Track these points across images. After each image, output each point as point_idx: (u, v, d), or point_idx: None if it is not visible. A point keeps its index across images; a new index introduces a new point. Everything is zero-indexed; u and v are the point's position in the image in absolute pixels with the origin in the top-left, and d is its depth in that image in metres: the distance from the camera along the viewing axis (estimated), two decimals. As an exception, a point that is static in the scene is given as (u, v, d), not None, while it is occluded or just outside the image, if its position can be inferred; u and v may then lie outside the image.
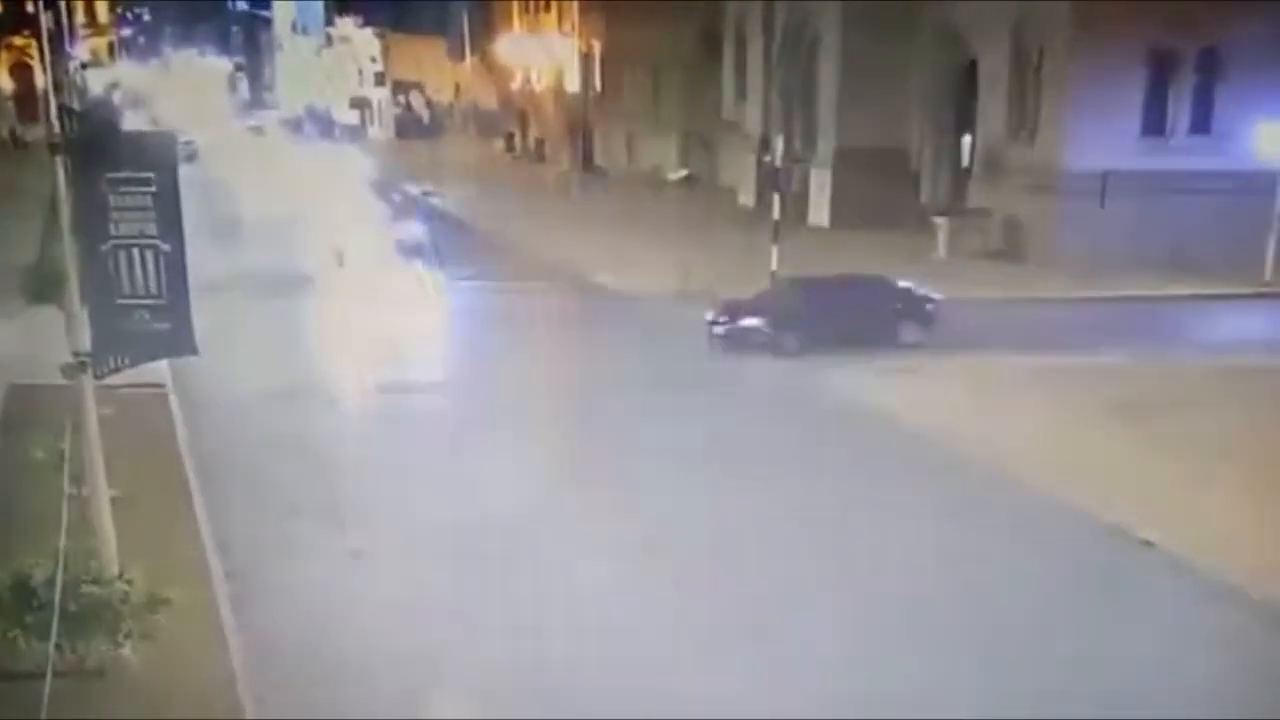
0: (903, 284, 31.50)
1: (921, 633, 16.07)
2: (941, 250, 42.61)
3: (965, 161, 46.53)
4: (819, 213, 48.91)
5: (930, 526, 19.54)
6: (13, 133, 75.17)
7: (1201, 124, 41.15)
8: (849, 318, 30.12)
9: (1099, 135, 39.64)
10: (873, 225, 44.25)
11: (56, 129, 13.84)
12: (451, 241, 43.86)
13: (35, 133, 63.92)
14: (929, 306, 30.88)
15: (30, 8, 71.49)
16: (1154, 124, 40.95)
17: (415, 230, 42.90)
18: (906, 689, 14.55)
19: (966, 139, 46.47)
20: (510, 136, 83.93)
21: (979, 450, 22.82)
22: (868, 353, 29.00)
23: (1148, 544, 18.45)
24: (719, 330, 30.32)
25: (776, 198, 36.98)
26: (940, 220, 43.47)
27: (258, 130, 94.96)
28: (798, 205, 47.01)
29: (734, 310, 30.74)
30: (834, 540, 18.93)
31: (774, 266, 35.85)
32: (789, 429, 24.65)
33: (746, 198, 53.49)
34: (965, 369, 28.37)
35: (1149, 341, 30.59)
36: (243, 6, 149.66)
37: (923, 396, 26.38)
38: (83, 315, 13.91)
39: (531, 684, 14.58)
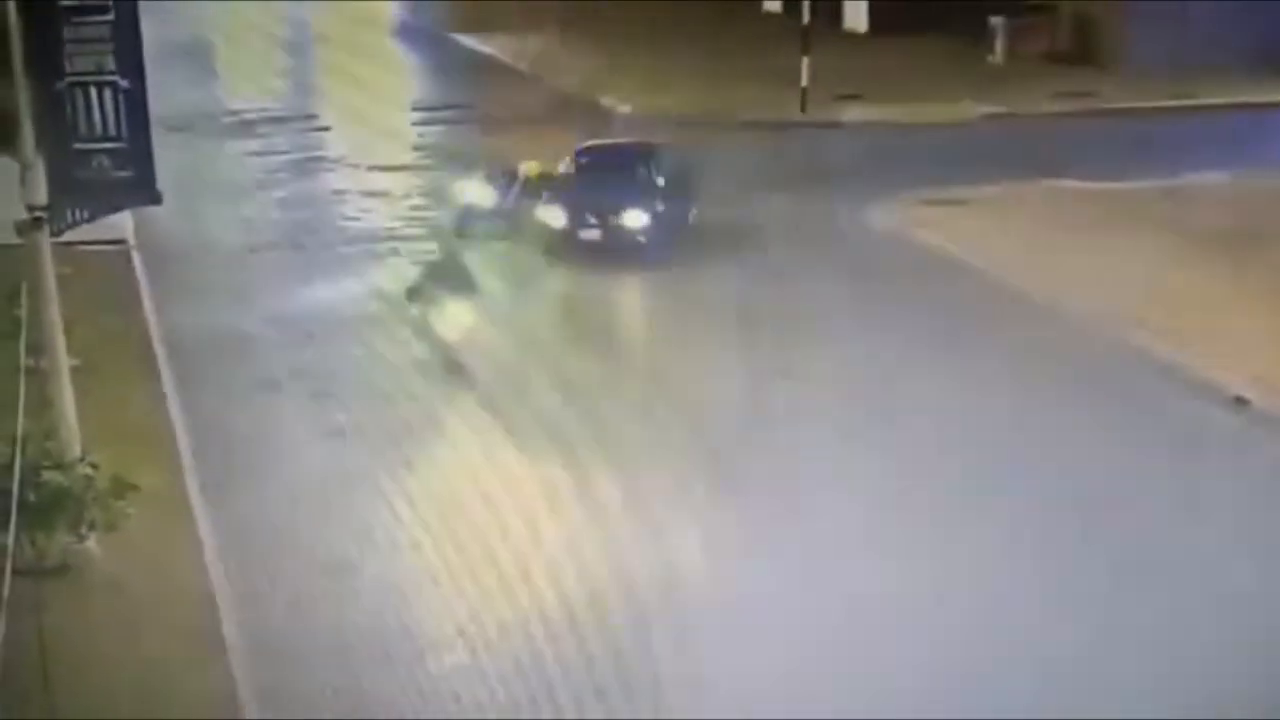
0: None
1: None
2: (999, 55, 41.96)
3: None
4: (856, 16, 48.10)
5: (1006, 387, 19.47)
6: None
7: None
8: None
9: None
10: (919, 28, 43.35)
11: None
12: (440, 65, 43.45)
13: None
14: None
15: None
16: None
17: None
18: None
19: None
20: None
21: (1037, 286, 22.72)
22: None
23: (1241, 401, 18.42)
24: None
25: (807, 2, 36.02)
26: (997, 20, 42.52)
27: None
28: (832, 10, 46.08)
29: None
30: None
31: (804, 82, 35.39)
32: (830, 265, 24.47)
33: (774, 3, 52.62)
34: (1025, 196, 28.00)
35: (1245, 158, 29.94)
36: None
37: (973, 231, 25.93)
38: (37, 164, 13.90)
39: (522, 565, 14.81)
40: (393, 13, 48.32)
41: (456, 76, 43.37)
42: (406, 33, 47.56)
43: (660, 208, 24.32)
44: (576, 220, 24.09)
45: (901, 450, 17.44)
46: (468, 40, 44.34)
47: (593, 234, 24.13)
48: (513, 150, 30.15)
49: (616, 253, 23.91)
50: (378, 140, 34.79)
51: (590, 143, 26.91)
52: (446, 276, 20.14)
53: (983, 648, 13.21)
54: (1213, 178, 28.74)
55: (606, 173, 25.21)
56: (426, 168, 32.41)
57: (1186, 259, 23.99)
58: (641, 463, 17.02)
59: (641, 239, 24.00)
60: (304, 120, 37.53)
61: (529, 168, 25.50)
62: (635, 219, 24.00)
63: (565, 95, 39.11)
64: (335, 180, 31.46)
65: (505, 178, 25.33)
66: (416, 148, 34.71)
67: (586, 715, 12.28)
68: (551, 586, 14.27)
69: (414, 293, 20.37)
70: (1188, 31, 37.44)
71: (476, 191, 25.21)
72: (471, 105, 39.11)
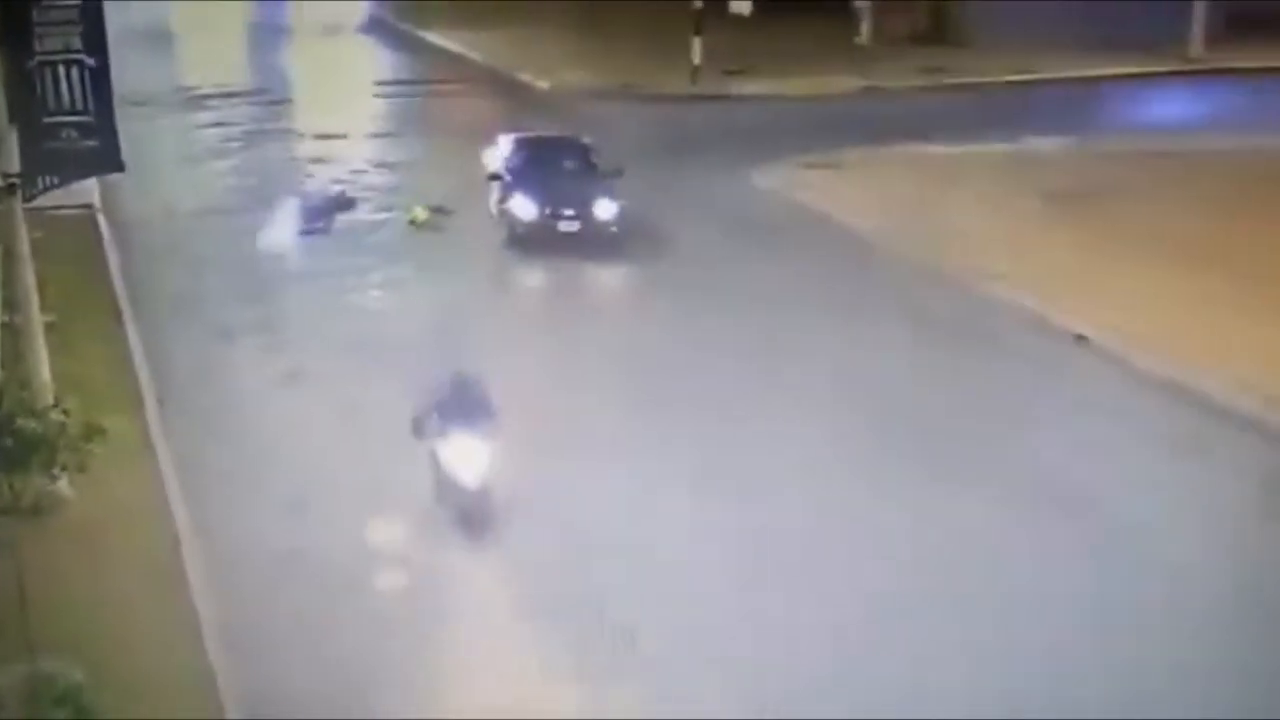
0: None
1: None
2: (865, 35, 41.56)
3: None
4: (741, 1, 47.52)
5: (867, 325, 19.38)
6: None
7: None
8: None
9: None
10: (795, 12, 42.91)
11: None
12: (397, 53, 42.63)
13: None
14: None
15: None
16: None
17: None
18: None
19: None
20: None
21: (901, 240, 22.57)
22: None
23: (1081, 339, 18.37)
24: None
25: (698, -15, 35.58)
26: (863, 4, 42.11)
27: None
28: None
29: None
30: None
31: (696, 60, 35.02)
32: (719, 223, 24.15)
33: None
34: (889, 160, 27.79)
35: (1078, 126, 29.94)
36: None
37: (850, 192, 25.69)
38: (9, 136, 13.48)
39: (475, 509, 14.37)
40: (364, 11, 46.99)
41: (411, 62, 42.12)
42: (373, 27, 46.28)
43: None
44: (552, 212, 22.01)
45: (763, 356, 18.16)
46: (430, 36, 43.22)
47: (572, 225, 22.03)
48: (447, 116, 30.21)
49: (594, 244, 21.99)
50: (325, 113, 33.90)
51: (520, 135, 24.37)
52: (457, 405, 13.81)
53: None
54: (1052, 142, 28.74)
55: (557, 164, 23.19)
56: (369, 135, 31.76)
57: (1029, 213, 24.02)
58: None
59: (614, 229, 22.10)
60: (256, 95, 36.49)
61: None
62: (606, 209, 22.11)
63: (497, 73, 38.42)
64: (281, 149, 30.52)
65: None
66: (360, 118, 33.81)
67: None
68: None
69: (418, 425, 13.97)
70: (1030, 14, 37.14)
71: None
72: (420, 82, 38.43)
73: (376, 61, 42.07)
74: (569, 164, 23.30)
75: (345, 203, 24.46)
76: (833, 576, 13.06)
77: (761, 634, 12.05)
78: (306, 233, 23.35)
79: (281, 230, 23.35)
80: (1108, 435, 15.96)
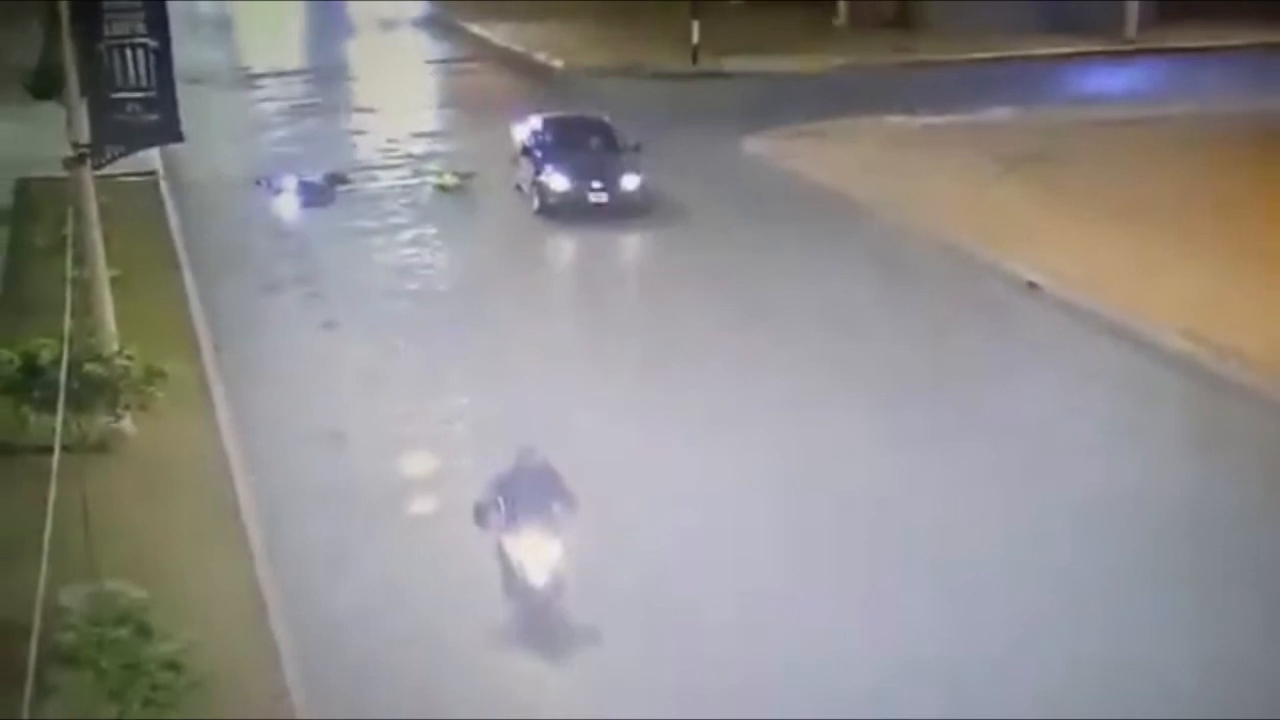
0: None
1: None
2: (841, 18, 40.81)
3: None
4: (731, -12, 46.67)
5: (843, 269, 18.96)
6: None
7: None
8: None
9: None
10: (783, 1, 42.22)
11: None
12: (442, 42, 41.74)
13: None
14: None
15: None
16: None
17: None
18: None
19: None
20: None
21: (874, 200, 21.98)
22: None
23: (1033, 286, 17.88)
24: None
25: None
26: (840, -8, 41.46)
27: None
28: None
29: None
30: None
31: (694, 41, 34.38)
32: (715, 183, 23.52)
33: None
34: (863, 129, 27.09)
35: (1027, 99, 29.26)
36: None
37: (830, 157, 25.06)
38: (80, 110, 13.24)
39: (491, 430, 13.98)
40: (419, 9, 45.68)
41: (452, 47, 40.98)
42: (427, 22, 44.94)
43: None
44: (582, 185, 21.30)
45: (759, 296, 18.02)
46: (473, 27, 42.18)
47: (601, 196, 21.31)
48: (477, 92, 29.44)
49: (620, 211, 21.35)
50: (369, 91, 33.29)
51: (548, 115, 23.51)
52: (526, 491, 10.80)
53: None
54: (1004, 112, 28.18)
55: (584, 142, 22.39)
56: (407, 109, 31.08)
57: (986, 173, 23.46)
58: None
59: (638, 199, 21.48)
60: (306, 74, 35.80)
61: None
62: (631, 181, 21.50)
63: (520, 56, 37.68)
64: (324, 123, 29.80)
65: None
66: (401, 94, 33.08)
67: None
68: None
69: (481, 513, 10.87)
70: (987, 3, 36.27)
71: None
72: (456, 60, 38.05)
73: (422, 47, 41.01)
74: (594, 141, 22.47)
75: (340, 179, 23.54)
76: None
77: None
78: (308, 205, 22.55)
79: (286, 205, 22.65)
80: (1049, 367, 15.59)
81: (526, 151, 22.39)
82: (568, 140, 22.33)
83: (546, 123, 22.94)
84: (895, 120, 27.69)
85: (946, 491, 12.68)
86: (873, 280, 18.68)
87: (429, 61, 38.35)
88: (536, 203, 21.59)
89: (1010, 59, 34.51)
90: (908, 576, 11.31)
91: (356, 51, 40.37)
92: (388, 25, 43.97)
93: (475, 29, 41.92)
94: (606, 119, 23.44)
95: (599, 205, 21.30)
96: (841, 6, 40.97)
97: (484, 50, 39.25)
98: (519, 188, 22.45)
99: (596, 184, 21.33)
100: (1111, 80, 32.49)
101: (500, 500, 10.65)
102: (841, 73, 33.95)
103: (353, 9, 46.25)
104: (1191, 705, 9.52)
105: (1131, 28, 36.74)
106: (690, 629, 10.57)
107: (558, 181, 21.40)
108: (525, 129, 22.95)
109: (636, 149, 22.10)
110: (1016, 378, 15.26)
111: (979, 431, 13.97)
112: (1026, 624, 10.60)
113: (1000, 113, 28.11)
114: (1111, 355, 16.00)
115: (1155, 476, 12.96)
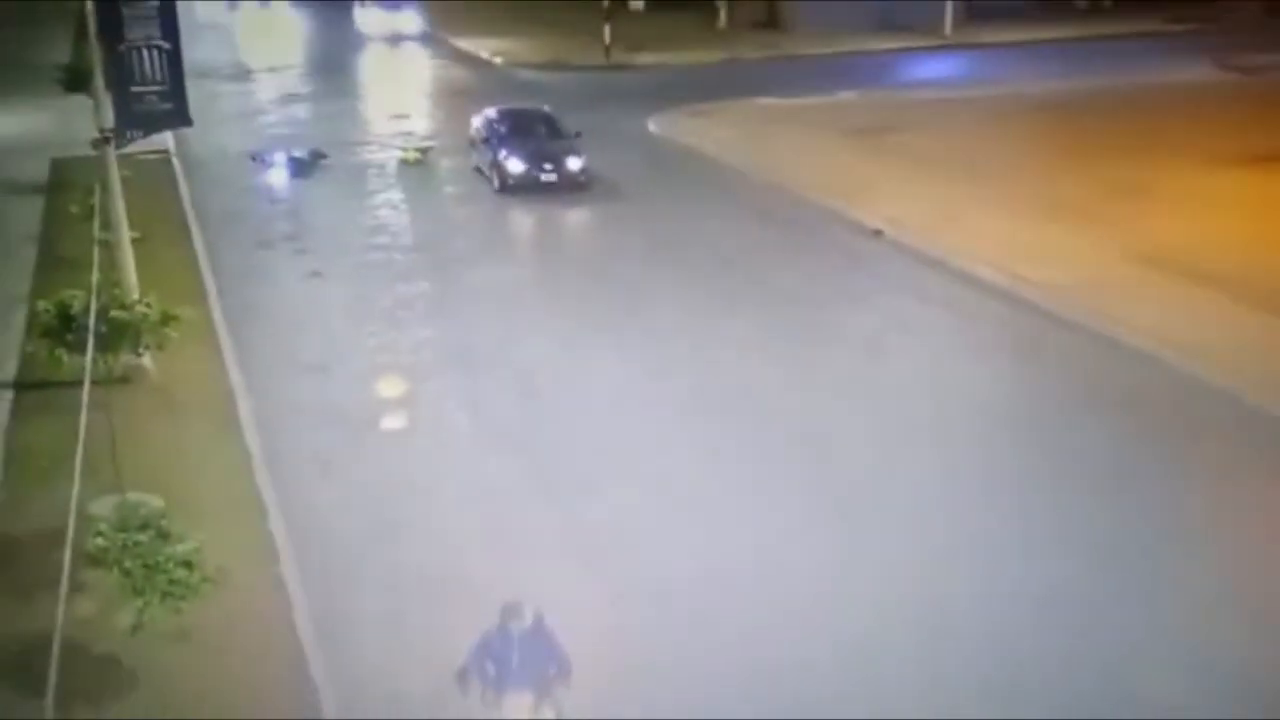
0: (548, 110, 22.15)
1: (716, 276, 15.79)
2: (723, 21, 39.91)
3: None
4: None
5: (728, 219, 18.41)
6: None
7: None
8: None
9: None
10: (675, 6, 41.33)
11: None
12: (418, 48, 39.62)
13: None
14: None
15: None
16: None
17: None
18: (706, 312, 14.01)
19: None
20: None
21: (753, 165, 21.36)
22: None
23: (878, 233, 17.48)
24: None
25: (605, -9, 33.90)
26: (720, 2, 40.40)
27: None
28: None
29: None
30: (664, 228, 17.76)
31: (607, 40, 33.26)
32: (627, 155, 22.62)
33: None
34: (743, 110, 26.41)
35: (867, 83, 28.79)
36: None
37: (715, 133, 24.30)
38: (105, 100, 12.66)
39: (463, 358, 13.33)
40: (413, 24, 40.54)
41: (428, 51, 38.76)
42: (422, 36, 40.56)
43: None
44: (534, 167, 19.86)
45: (665, 242, 17.27)
46: (447, 37, 39.41)
47: (551, 176, 19.86)
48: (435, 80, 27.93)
49: (567, 189, 19.88)
50: (330, 81, 31.69)
51: (501, 108, 21.83)
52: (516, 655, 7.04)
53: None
54: (849, 94, 27.66)
55: (534, 130, 20.89)
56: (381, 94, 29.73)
57: (839, 143, 23.02)
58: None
59: (582, 179, 19.98)
60: (295, 69, 34.02)
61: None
62: (575, 164, 20.02)
63: (466, 54, 36.23)
64: (309, 109, 28.31)
65: None
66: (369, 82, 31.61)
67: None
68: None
69: (464, 679, 7.07)
70: (834, 8, 35.93)
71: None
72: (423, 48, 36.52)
73: (403, 52, 38.33)
74: (542, 129, 20.97)
75: (321, 155, 22.19)
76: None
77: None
78: (295, 176, 21.30)
79: (276, 177, 21.39)
80: (887, 296, 15.26)
81: (485, 139, 20.90)
82: (520, 129, 20.86)
83: (501, 114, 21.41)
84: (766, 101, 27.06)
85: (806, 373, 12.80)
86: (749, 226, 18.20)
87: (400, 58, 36.53)
88: (496, 183, 20.28)
89: (855, 53, 33.96)
90: (767, 436, 11.41)
91: (352, 58, 37.83)
92: (392, 39, 39.43)
93: (447, 38, 39.68)
94: (550, 110, 22.11)
95: (549, 184, 20.07)
96: (722, 11, 40.12)
97: (450, 53, 37.27)
98: (478, 169, 21.19)
99: (548, 166, 20.04)
100: (933, 68, 32.09)
101: (488, 665, 7.03)
102: (723, 65, 33.21)
103: (358, 19, 42.40)
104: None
105: (948, 27, 36.34)
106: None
107: (514, 164, 19.98)
108: (480, 119, 21.48)
109: (578, 135, 20.88)
110: (863, 299, 15.05)
111: (834, 337, 13.91)
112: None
113: (847, 95, 27.57)
114: (937, 283, 15.68)
115: (962, 369, 13.04)
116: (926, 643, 8.35)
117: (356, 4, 41.64)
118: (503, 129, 20.86)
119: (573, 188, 19.94)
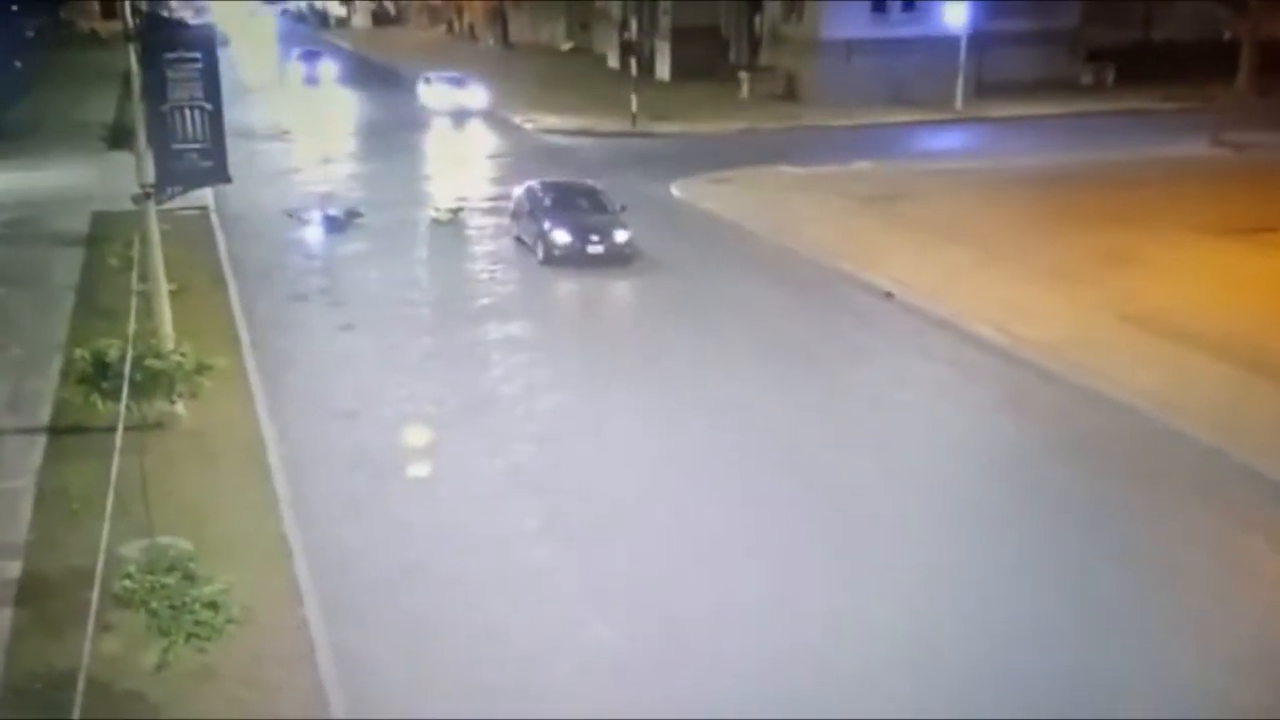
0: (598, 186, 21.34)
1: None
2: (745, 93, 40.27)
3: (758, 33, 43.66)
4: (662, 69, 45.95)
5: (748, 280, 18.44)
6: (93, 30, 66.98)
7: (909, 3, 38.73)
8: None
9: (843, 13, 37.42)
10: (699, 78, 41.88)
11: (129, 24, 12.69)
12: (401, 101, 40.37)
13: (112, 28, 57.13)
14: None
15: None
16: (879, 4, 38.39)
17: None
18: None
19: (757, 18, 43.52)
20: (450, 22, 77.75)
21: (771, 230, 21.42)
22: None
23: (889, 295, 17.47)
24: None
25: (633, 60, 34.56)
26: (743, 74, 40.97)
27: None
28: (648, 65, 44.13)
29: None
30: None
31: (633, 109, 33.72)
32: (650, 218, 22.66)
33: (613, 61, 50.17)
34: (761, 177, 26.52)
35: (881, 154, 28.85)
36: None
37: (735, 198, 24.44)
38: (147, 157, 12.73)
39: (482, 410, 13.31)
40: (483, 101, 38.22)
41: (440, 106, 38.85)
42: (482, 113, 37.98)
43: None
44: (580, 239, 19.18)
45: (692, 305, 17.33)
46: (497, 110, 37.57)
47: (598, 249, 19.19)
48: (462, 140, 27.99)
49: (614, 261, 19.23)
50: (367, 143, 32.09)
51: (546, 180, 21.18)
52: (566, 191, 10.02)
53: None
54: (864, 164, 27.69)
55: (579, 203, 20.17)
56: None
57: (853, 209, 23.07)
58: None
59: (627, 251, 19.35)
60: (322, 131, 34.65)
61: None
62: (622, 236, 19.40)
63: (500, 119, 36.45)
64: (337, 169, 28.62)
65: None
66: (398, 150, 31.87)
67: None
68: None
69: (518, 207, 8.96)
70: (851, 82, 36.31)
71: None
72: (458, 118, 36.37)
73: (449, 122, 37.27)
74: (586, 202, 20.22)
75: (356, 214, 22.37)
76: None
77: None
78: (329, 233, 21.50)
79: (311, 233, 21.67)
80: (898, 350, 15.36)
81: (529, 211, 20.14)
82: (565, 201, 20.15)
83: (545, 186, 20.69)
84: (784, 169, 27.18)
85: (816, 423, 12.97)
86: (766, 287, 18.22)
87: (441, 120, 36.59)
88: (541, 254, 19.38)
89: (870, 125, 34.12)
90: (778, 478, 11.66)
91: (360, 112, 38.36)
92: (457, 116, 37.00)
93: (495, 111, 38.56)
94: (596, 184, 21.25)
95: (595, 255, 19.29)
96: (745, 82, 40.52)
97: (491, 122, 36.92)
98: (520, 239, 20.59)
99: (594, 238, 19.29)
100: (943, 140, 32.27)
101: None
102: (744, 134, 33.45)
103: (422, 95, 39.92)
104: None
105: (959, 101, 36.60)
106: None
107: (560, 236, 19.26)
108: (523, 190, 20.77)
109: (623, 209, 20.33)
110: (872, 356, 15.11)
111: (843, 389, 14.05)
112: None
113: (862, 164, 27.65)
114: (942, 342, 15.70)
115: (963, 420, 13.23)
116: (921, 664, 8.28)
117: (421, 82, 40.46)
118: (548, 201, 20.14)
119: (619, 261, 19.35)
